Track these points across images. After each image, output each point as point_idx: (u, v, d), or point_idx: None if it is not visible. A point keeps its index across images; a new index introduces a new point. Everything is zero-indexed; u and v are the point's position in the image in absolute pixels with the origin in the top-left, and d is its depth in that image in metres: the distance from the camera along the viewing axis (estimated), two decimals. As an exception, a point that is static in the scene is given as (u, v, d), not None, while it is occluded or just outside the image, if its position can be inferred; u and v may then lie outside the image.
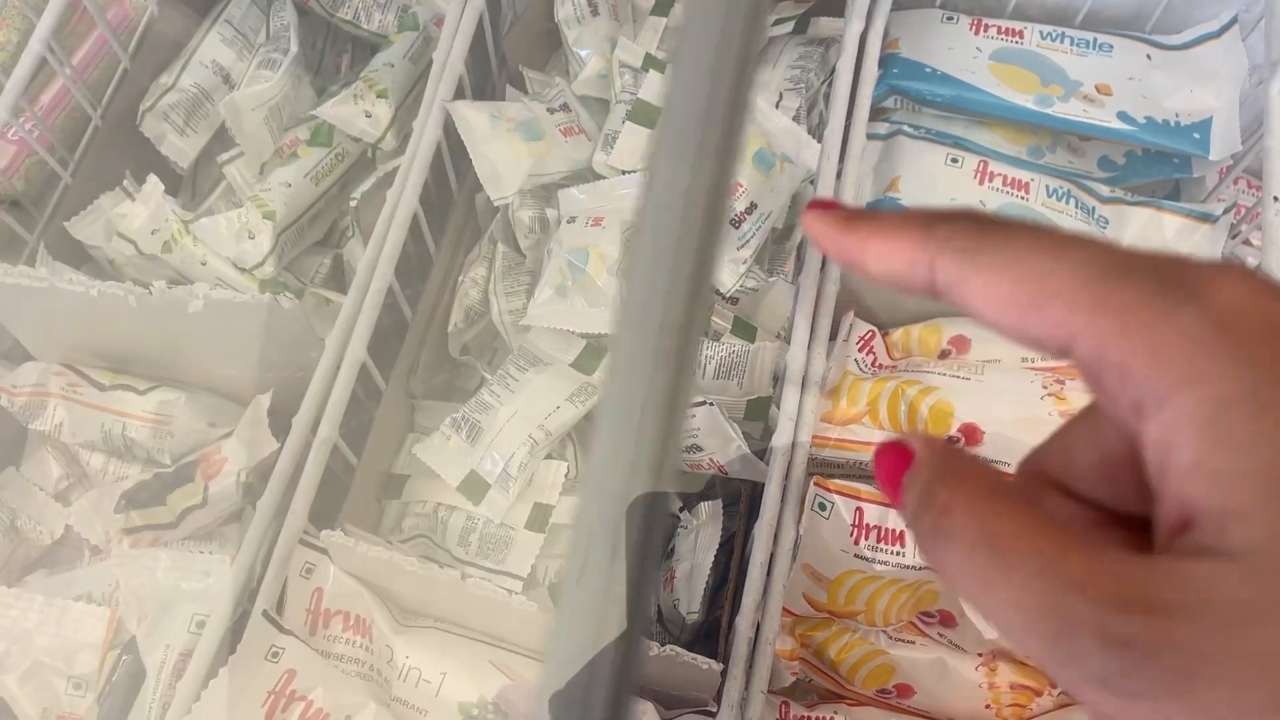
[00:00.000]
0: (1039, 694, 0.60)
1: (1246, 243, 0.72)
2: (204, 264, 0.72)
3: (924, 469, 0.21)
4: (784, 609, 0.58)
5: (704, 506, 0.61)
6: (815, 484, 0.56)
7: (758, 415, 0.65)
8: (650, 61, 0.73)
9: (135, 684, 0.57)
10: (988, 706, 0.60)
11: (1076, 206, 0.69)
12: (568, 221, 0.66)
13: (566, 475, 0.63)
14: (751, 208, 0.65)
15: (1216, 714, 0.16)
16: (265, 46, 0.81)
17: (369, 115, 0.76)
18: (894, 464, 0.21)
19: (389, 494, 0.66)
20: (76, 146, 0.77)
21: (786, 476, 0.56)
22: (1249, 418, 0.17)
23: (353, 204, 0.74)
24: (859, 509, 0.56)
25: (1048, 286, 0.19)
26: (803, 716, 0.59)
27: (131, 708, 0.57)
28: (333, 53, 0.90)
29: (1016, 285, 0.20)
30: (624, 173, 0.69)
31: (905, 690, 0.60)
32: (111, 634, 0.59)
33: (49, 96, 0.76)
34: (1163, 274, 0.18)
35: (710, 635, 0.61)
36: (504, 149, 0.65)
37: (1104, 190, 0.70)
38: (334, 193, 0.77)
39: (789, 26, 0.73)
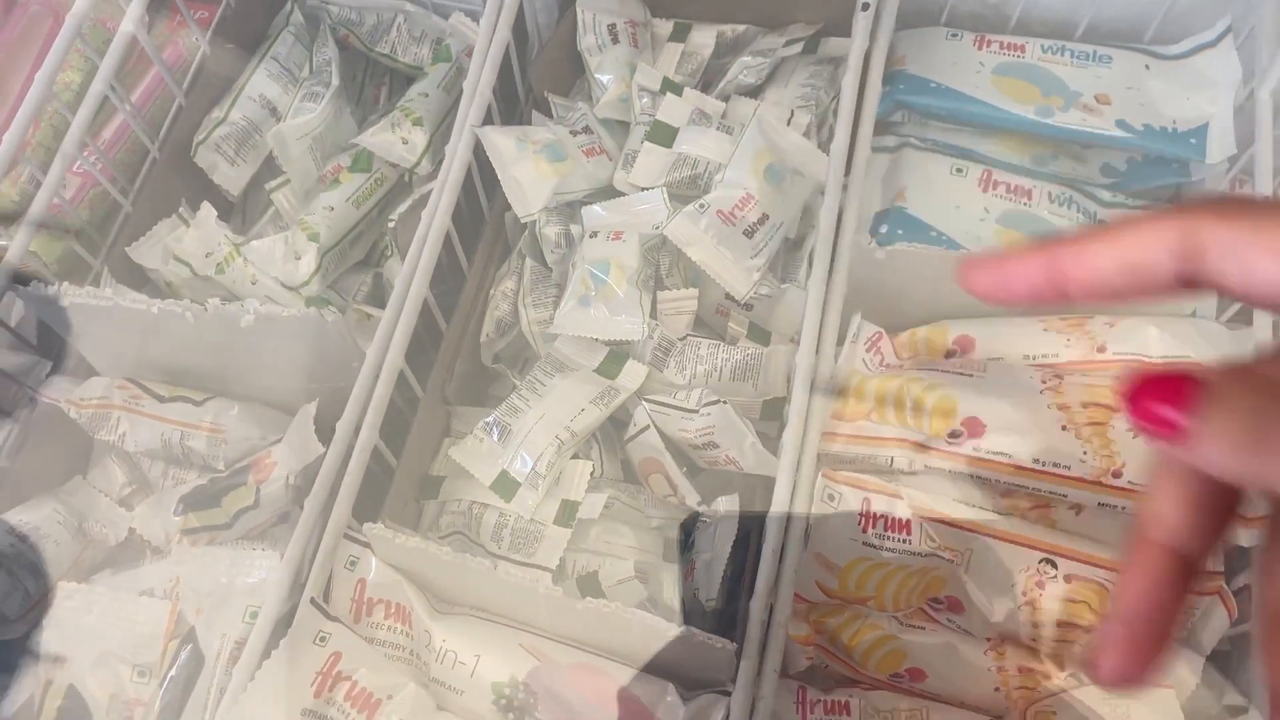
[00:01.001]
0: (1047, 677, 0.62)
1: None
2: (254, 283, 0.77)
3: (1238, 394, 0.21)
4: (799, 596, 0.62)
5: (721, 501, 0.65)
6: (824, 476, 0.59)
7: (773, 415, 0.68)
8: (668, 85, 0.77)
9: (195, 671, 0.62)
10: (997, 689, 0.62)
11: (1078, 211, 0.72)
12: (590, 236, 0.70)
13: (591, 474, 0.67)
14: (763, 219, 0.69)
15: None
16: (309, 80, 0.86)
17: (405, 142, 0.81)
18: (1170, 392, 0.22)
19: (426, 494, 0.70)
20: (135, 177, 0.82)
21: (797, 470, 0.59)
22: None
23: (391, 225, 0.78)
24: (866, 499, 0.59)
25: None
26: (819, 700, 0.62)
27: (191, 692, 0.61)
28: (372, 85, 0.95)
29: None
30: (643, 189, 0.73)
31: (917, 674, 0.63)
32: (173, 625, 0.63)
33: (110, 131, 0.82)
34: None
35: (731, 625, 0.64)
36: (530, 170, 0.70)
37: (1105, 195, 0.73)
38: (374, 215, 0.82)
39: (799, 47, 0.77)
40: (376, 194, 0.82)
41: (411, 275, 0.66)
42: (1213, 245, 0.22)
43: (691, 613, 0.66)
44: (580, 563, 0.67)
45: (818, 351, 0.62)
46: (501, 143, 0.70)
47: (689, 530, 0.71)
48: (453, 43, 0.88)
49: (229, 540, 0.69)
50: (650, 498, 0.69)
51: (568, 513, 0.66)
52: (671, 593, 0.68)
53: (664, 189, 0.70)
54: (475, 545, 0.67)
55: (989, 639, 0.62)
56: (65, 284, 0.67)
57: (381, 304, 0.82)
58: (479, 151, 0.72)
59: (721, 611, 0.63)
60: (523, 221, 0.71)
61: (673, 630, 0.54)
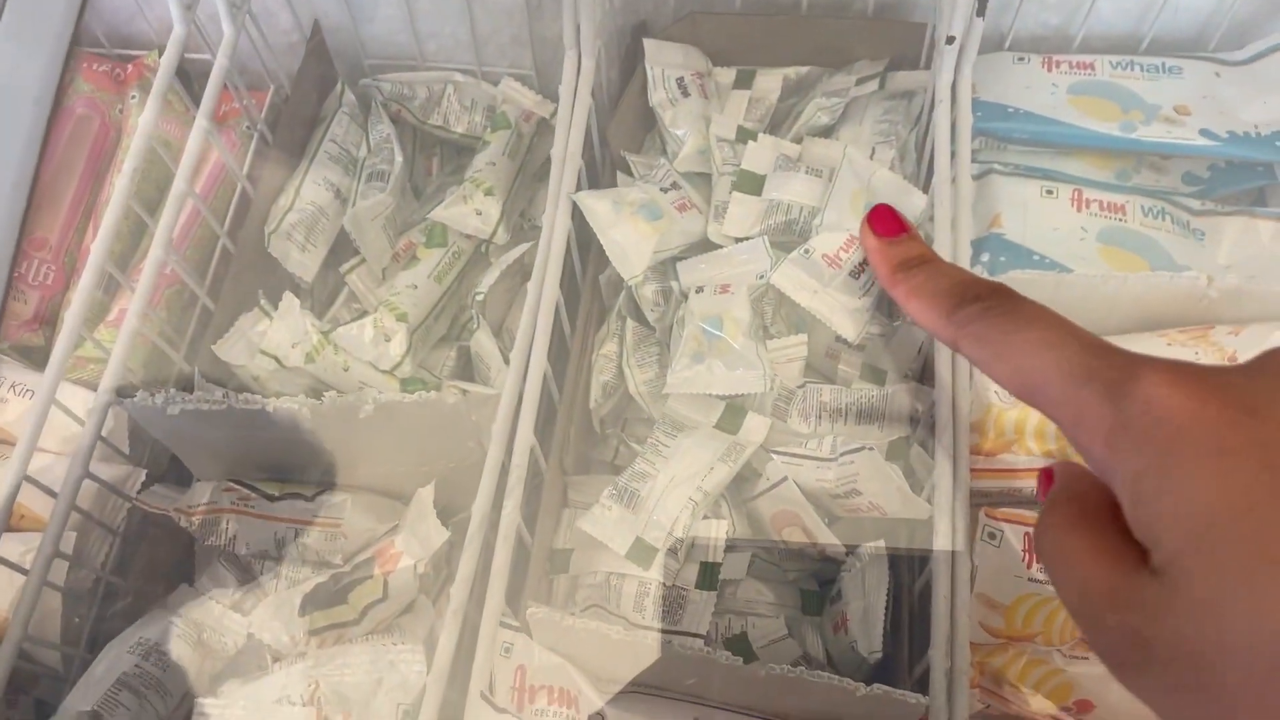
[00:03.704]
0: (1215, 695, 0.61)
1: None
2: (346, 370, 0.75)
3: (1054, 492, 0.30)
4: (962, 639, 0.60)
5: (867, 547, 0.64)
6: (985, 514, 0.58)
7: (897, 456, 0.67)
8: (743, 133, 0.77)
9: (351, 778, 0.60)
10: (1168, 713, 0.61)
11: (1172, 222, 0.72)
12: (696, 291, 0.69)
13: (727, 534, 0.65)
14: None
15: (1158, 685, 0.25)
16: (369, 158, 0.85)
17: (479, 213, 0.80)
18: (1044, 484, 0.31)
19: (556, 569, 0.68)
20: (205, 272, 0.81)
21: (953, 510, 0.58)
22: (1149, 489, 0.25)
23: (479, 298, 0.77)
24: (1027, 534, 0.58)
25: (1034, 381, 0.29)
26: (990, 742, 0.61)
27: (351, 802, 0.59)
28: (422, 156, 0.94)
29: (1015, 376, 0.30)
30: (737, 240, 0.72)
31: (1085, 706, 0.62)
32: (320, 733, 0.61)
33: (178, 230, 0.81)
34: (1108, 378, 0.27)
35: (887, 675, 0.62)
36: (629, 231, 0.69)
37: (1194, 204, 0.73)
38: (454, 288, 0.81)
39: (873, 85, 0.77)
40: (456, 267, 0.81)
41: (528, 349, 0.65)
42: (962, 347, 0.34)
43: (841, 665, 0.65)
44: (724, 624, 0.66)
45: (956, 389, 0.61)
46: (598, 207, 0.70)
47: (824, 580, 0.70)
48: (508, 109, 0.88)
49: (357, 636, 0.67)
50: (785, 551, 0.68)
51: (709, 575, 0.64)
52: (817, 647, 0.66)
53: (764, 238, 0.70)
54: (616, 617, 0.65)
55: (1154, 662, 0.61)
56: (172, 391, 0.65)
57: (469, 378, 0.81)
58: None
59: (880, 659, 0.62)
60: (628, 283, 0.70)
61: (861, 689, 0.53)
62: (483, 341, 0.78)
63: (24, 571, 0.63)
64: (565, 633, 0.56)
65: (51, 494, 0.65)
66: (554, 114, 0.88)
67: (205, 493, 0.70)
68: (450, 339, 0.83)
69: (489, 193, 0.80)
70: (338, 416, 0.64)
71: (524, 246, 0.79)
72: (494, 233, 0.80)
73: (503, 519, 0.60)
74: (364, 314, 0.78)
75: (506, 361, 0.72)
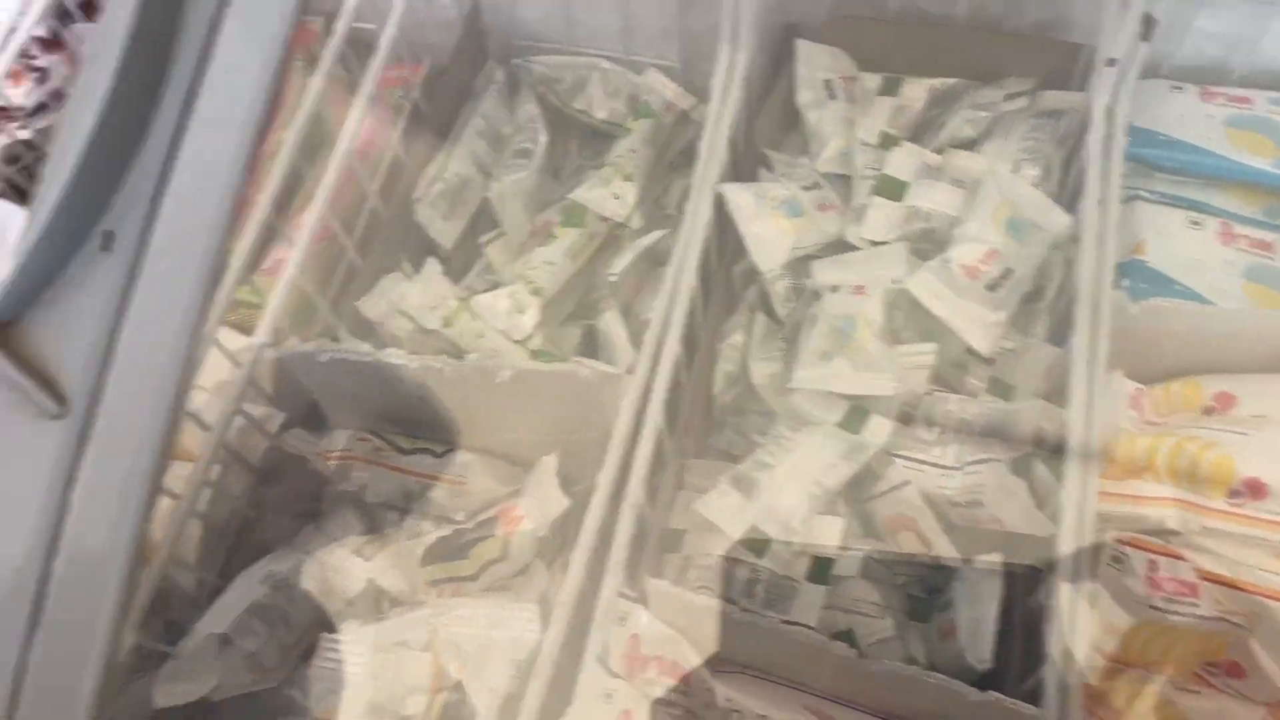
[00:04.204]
0: (1329, 746, 0.60)
1: None
2: (480, 337, 0.78)
3: None
4: (1073, 658, 0.60)
5: (980, 559, 0.64)
6: (1111, 538, 0.58)
7: (1021, 473, 0.67)
8: (886, 139, 0.78)
9: (464, 726, 0.62)
10: (1277, 758, 0.60)
11: (1322, 265, 0.70)
12: (831, 290, 0.70)
13: (843, 532, 0.66)
14: (1008, 273, 0.69)
15: None
16: (515, 136, 0.88)
17: (617, 197, 0.82)
18: None
19: (667, 548, 0.70)
20: (352, 231, 0.85)
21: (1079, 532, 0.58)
22: None
23: (612, 279, 0.79)
24: (1152, 561, 0.58)
25: None
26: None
27: (462, 748, 0.62)
28: (562, 138, 0.97)
29: None
30: (874, 243, 0.73)
31: (1193, 741, 0.61)
32: (438, 678, 0.64)
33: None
34: None
35: (993, 684, 0.63)
36: (770, 225, 0.71)
37: (1347, 248, 0.72)
38: (585, 268, 0.83)
39: (1023, 101, 0.77)
40: (590, 248, 0.83)
41: (663, 334, 0.67)
42: None
43: (946, 672, 0.65)
44: (830, 619, 0.67)
45: (1090, 411, 0.61)
46: (741, 199, 0.71)
47: (933, 587, 0.70)
48: (651, 99, 0.90)
49: (473, 592, 0.69)
50: (896, 555, 0.68)
51: (822, 569, 0.65)
52: (921, 652, 0.67)
53: (906, 244, 0.70)
54: (724, 601, 0.67)
55: (1268, 705, 0.61)
56: (323, 339, 0.68)
57: (590, 357, 0.83)
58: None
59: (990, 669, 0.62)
60: (767, 276, 0.72)
61: (975, 694, 0.53)
62: (612, 322, 0.80)
63: (175, 497, 0.67)
64: (683, 608, 0.58)
65: (205, 427, 0.69)
66: (694, 107, 0.90)
67: (342, 440, 0.74)
68: (576, 317, 0.86)
69: (628, 178, 0.82)
70: (476, 379, 0.67)
71: (659, 233, 0.81)
72: (630, 217, 0.82)
73: (628, 493, 0.62)
74: (498, 285, 0.81)
75: (633, 343, 0.74)
